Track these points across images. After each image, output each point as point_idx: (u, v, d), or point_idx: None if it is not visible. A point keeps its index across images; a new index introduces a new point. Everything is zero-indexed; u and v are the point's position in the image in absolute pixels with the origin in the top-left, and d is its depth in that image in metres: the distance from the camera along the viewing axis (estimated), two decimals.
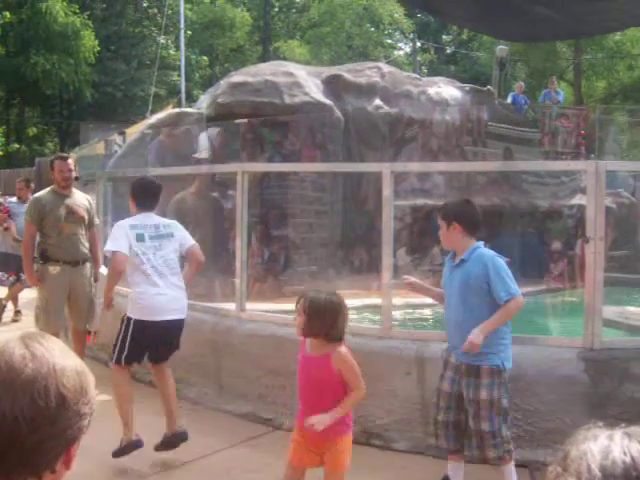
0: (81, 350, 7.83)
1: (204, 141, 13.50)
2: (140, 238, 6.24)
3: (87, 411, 1.56)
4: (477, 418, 5.31)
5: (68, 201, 8.04)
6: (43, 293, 8.08)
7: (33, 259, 8.08)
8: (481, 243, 5.42)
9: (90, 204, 8.39)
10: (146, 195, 6.55)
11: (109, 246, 6.21)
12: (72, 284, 8.02)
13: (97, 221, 8.70)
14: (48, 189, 8.21)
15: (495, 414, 5.29)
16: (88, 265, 8.22)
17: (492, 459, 5.35)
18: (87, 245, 8.22)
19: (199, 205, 11.93)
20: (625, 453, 1.13)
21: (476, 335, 5.11)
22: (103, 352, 9.37)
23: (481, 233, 5.57)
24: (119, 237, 6.20)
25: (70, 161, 8.23)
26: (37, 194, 8.48)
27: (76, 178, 8.42)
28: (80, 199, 8.23)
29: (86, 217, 8.16)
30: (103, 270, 8.22)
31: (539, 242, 14.30)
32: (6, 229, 12.19)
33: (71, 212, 8.01)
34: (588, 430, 1.21)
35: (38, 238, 8.06)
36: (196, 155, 13.13)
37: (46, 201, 7.99)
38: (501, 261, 5.29)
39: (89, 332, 8.34)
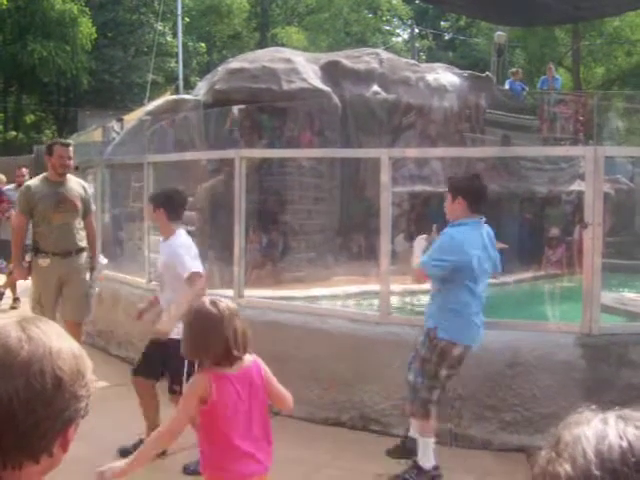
0: (77, 341, 7.63)
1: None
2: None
3: (84, 393, 1.57)
4: (410, 368, 5.60)
5: (60, 189, 7.70)
6: (35, 286, 7.87)
7: (24, 250, 7.88)
8: (469, 220, 5.46)
9: (85, 191, 8.03)
10: (181, 206, 6.38)
11: (191, 267, 5.93)
12: (63, 275, 7.71)
13: (94, 207, 8.43)
14: (40, 176, 7.90)
15: (422, 372, 5.45)
16: (83, 255, 7.90)
17: (409, 411, 5.63)
18: (82, 234, 7.90)
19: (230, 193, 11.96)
20: (621, 437, 1.11)
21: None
22: (100, 338, 9.40)
23: (483, 208, 5.62)
24: (194, 256, 6.05)
25: (71, 148, 7.84)
26: (28, 182, 8.20)
27: (76, 167, 8.10)
28: (74, 186, 7.87)
29: (79, 205, 7.81)
30: (104, 260, 8.08)
31: (537, 228, 14.29)
32: (8, 218, 12.10)
33: (63, 201, 7.68)
34: (580, 414, 1.19)
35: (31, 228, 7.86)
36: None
37: (36, 189, 7.68)
38: (445, 237, 5.38)
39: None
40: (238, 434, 3.63)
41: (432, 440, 5.42)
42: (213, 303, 3.68)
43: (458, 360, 5.45)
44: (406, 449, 5.85)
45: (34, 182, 7.89)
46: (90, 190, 8.45)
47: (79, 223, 7.87)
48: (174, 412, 3.71)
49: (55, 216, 7.64)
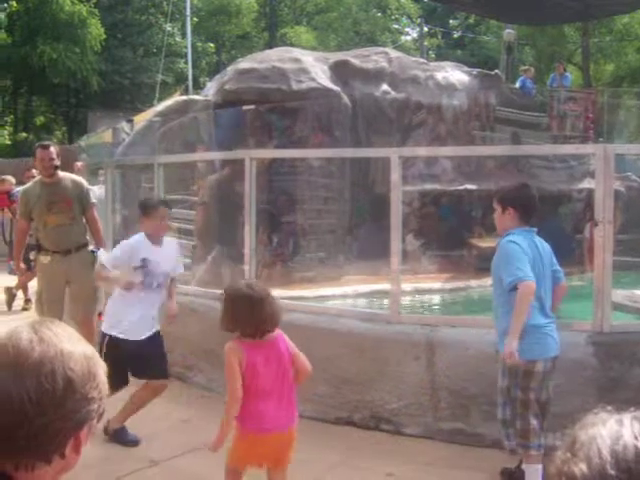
0: (89, 339, 7.69)
1: None
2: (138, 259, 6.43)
3: (95, 395, 1.57)
4: (497, 405, 5.42)
5: (52, 190, 7.83)
6: (39, 283, 8.09)
7: (22, 255, 8.27)
8: (520, 230, 5.35)
9: (79, 186, 8.08)
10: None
11: (108, 259, 6.41)
12: (68, 274, 7.85)
13: (94, 201, 8.42)
14: (35, 179, 8.09)
15: (508, 403, 5.31)
16: (85, 251, 8.03)
17: (507, 450, 5.39)
18: (80, 231, 8.05)
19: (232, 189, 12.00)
20: (636, 437, 1.12)
21: (507, 345, 5.00)
22: None
23: (535, 219, 5.53)
24: (117, 254, 6.45)
25: (52, 149, 7.90)
26: (24, 186, 8.44)
27: (56, 167, 8.08)
28: (67, 185, 7.95)
29: (73, 203, 7.92)
30: (102, 253, 8.12)
31: (548, 226, 14.25)
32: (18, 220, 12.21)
33: (54, 202, 7.81)
34: (596, 414, 1.20)
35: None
36: None
37: (31, 194, 7.87)
38: (512, 246, 5.17)
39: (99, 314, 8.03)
40: (263, 395, 4.23)
41: (539, 467, 5.20)
42: (250, 286, 4.34)
43: (543, 376, 5.26)
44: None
45: (30, 185, 8.12)
46: (86, 184, 8.41)
47: (77, 221, 8.00)
48: (228, 383, 4.29)
49: (50, 218, 7.82)
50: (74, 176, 8.45)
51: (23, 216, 7.95)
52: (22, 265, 8.34)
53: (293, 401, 4.43)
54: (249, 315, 4.23)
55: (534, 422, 5.26)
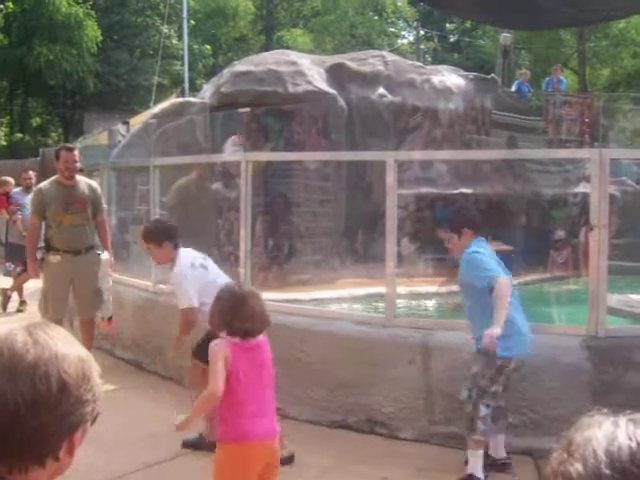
0: (88, 340, 7.82)
1: None
2: (204, 267, 6.18)
3: (90, 398, 1.57)
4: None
5: (69, 192, 8.04)
6: (45, 281, 8.19)
7: (36, 251, 8.19)
8: (475, 241, 5.67)
9: (94, 191, 8.32)
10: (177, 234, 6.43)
11: (183, 302, 6.03)
12: (74, 273, 8.02)
13: (105, 206, 8.69)
14: (52, 179, 8.22)
15: (471, 388, 5.49)
16: (93, 252, 8.20)
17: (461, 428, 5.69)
18: (91, 233, 8.25)
19: (201, 192, 11.92)
20: (631, 439, 1.13)
21: (490, 332, 5.11)
22: (106, 341, 9.40)
23: (484, 228, 5.92)
24: (188, 289, 6.04)
25: (76, 152, 8.18)
26: (40, 185, 8.58)
27: (81, 170, 8.37)
28: (82, 188, 8.17)
29: (88, 206, 8.14)
30: (105, 255, 8.21)
31: (543, 230, 14.28)
32: (14, 222, 12.22)
33: (71, 203, 8.01)
34: (592, 416, 1.21)
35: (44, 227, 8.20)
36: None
37: (47, 192, 8.04)
38: (475, 255, 5.51)
39: (102, 318, 8.26)
40: (250, 397, 4.08)
41: (480, 452, 5.42)
42: (238, 287, 4.37)
43: (510, 374, 5.55)
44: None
45: (45, 185, 8.26)
46: (100, 189, 8.65)
47: (89, 223, 8.22)
48: (210, 377, 4.09)
49: (65, 218, 8.02)
50: (90, 180, 8.71)
51: (36, 213, 8.09)
52: (30, 263, 8.37)
53: (274, 410, 4.29)
54: (234, 311, 4.13)
55: (485, 412, 5.44)
